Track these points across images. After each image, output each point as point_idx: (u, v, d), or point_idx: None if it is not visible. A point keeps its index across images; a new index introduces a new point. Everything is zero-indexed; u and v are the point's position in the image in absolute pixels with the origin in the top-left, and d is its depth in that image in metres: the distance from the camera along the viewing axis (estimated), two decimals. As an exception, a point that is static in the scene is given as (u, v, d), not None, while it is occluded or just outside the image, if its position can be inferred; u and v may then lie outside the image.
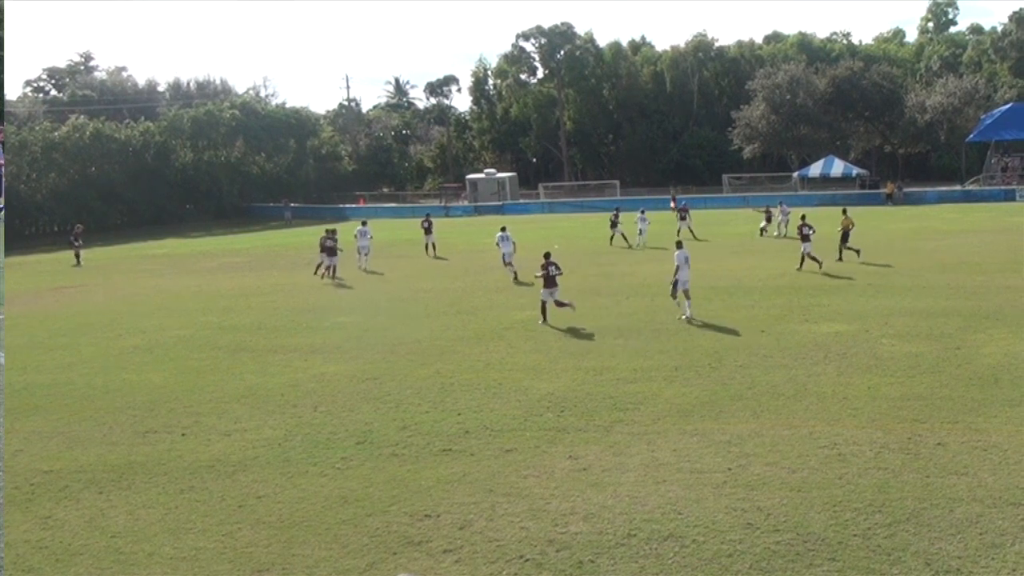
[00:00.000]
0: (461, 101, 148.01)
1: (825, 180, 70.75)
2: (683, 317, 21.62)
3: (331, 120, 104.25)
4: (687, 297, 21.98)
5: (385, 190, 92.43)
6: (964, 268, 28.29)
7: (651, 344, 19.21)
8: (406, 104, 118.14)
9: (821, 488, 10.83)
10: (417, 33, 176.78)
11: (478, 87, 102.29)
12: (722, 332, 20.15)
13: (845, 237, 31.75)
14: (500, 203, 74.30)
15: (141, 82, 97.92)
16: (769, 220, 41.02)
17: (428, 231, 40.94)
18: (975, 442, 12.18)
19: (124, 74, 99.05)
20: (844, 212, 33.08)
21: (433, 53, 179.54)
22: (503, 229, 32.32)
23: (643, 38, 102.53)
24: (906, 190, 64.52)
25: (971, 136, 70.23)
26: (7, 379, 18.47)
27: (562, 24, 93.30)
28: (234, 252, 47.36)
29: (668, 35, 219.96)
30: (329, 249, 33.22)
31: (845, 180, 70.38)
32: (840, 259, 31.09)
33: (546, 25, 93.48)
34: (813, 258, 29.59)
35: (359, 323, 23.40)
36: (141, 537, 10.35)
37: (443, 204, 76.97)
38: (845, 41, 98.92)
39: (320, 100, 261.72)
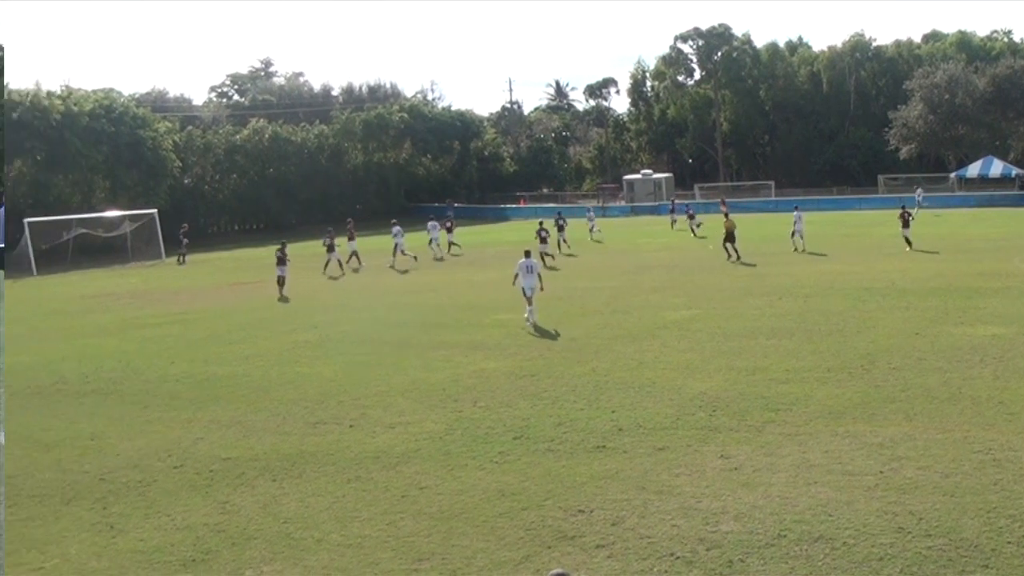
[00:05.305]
0: (619, 103, 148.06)
1: (983, 181, 68.27)
2: (527, 321, 22.78)
3: (494, 122, 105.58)
4: (529, 304, 22.92)
5: (545, 190, 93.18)
6: None
7: (804, 345, 18.85)
8: (566, 106, 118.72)
9: (975, 493, 10.47)
10: (577, 36, 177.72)
11: (636, 89, 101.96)
12: (876, 334, 19.58)
13: (730, 237, 33.55)
14: (656, 203, 73.91)
15: (316, 87, 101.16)
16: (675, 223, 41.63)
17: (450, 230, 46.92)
18: None
19: (301, 79, 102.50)
20: (726, 216, 35.08)
21: (593, 56, 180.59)
22: (395, 223, 42.82)
23: (800, 38, 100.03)
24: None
25: None
26: (190, 369, 19.76)
27: (719, 25, 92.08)
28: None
29: (825, 35, 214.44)
30: (279, 259, 33.13)
31: (1004, 181, 67.82)
32: (738, 259, 33.12)
33: (704, 27, 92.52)
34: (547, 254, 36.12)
35: (519, 320, 23.80)
36: (311, 524, 10.83)
37: (600, 204, 77.09)
38: (1006, 39, 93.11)
39: (484, 102, 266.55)
